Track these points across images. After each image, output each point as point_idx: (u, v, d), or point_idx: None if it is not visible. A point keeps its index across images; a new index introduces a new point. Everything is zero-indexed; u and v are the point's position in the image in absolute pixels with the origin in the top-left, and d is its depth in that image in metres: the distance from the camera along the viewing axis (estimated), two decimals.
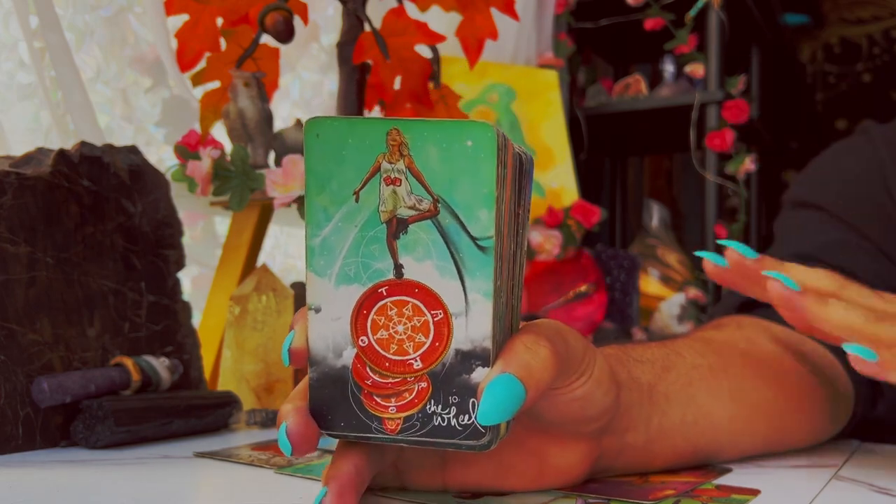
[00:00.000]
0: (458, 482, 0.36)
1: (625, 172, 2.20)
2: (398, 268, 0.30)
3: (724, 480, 0.42)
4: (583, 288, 1.36)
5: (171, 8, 0.76)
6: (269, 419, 0.61)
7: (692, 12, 1.63)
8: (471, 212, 0.29)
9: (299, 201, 0.69)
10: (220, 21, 0.76)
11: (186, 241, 0.64)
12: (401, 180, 0.29)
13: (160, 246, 0.61)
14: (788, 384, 0.49)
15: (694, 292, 1.56)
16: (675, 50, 1.66)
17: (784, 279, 0.40)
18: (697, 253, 0.43)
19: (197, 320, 0.68)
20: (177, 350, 0.61)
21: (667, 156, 2.40)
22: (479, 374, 0.30)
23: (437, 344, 0.30)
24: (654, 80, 1.90)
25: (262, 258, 0.77)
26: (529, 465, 0.37)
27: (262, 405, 0.66)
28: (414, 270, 0.30)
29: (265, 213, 0.76)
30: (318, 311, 0.31)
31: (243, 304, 0.66)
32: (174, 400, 0.54)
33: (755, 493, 0.39)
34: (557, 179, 1.51)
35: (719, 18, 1.62)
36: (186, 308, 0.63)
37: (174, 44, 0.77)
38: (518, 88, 1.54)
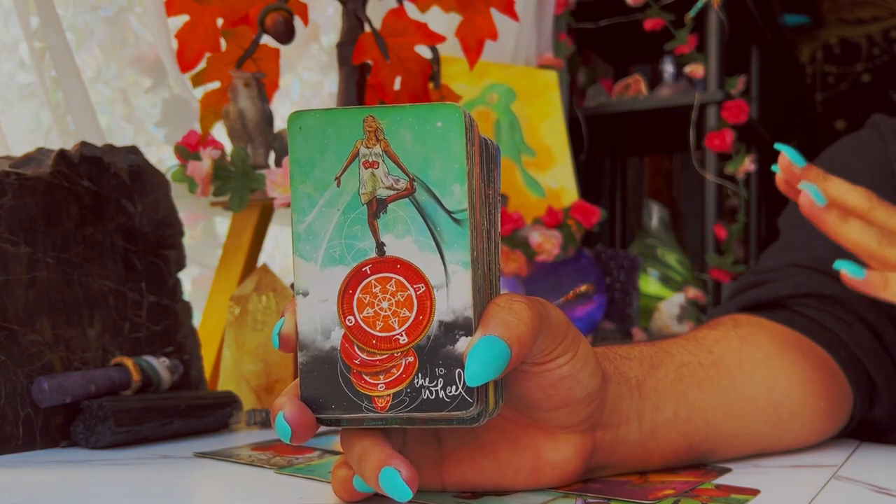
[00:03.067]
0: (456, 480, 0.37)
1: (625, 172, 2.20)
2: (380, 246, 0.32)
3: (724, 480, 0.42)
4: (583, 288, 1.36)
5: (171, 8, 0.76)
6: (269, 419, 0.61)
7: (692, 13, 1.63)
8: (445, 187, 0.31)
9: None
10: (220, 21, 0.76)
11: (187, 241, 0.65)
12: (378, 163, 0.31)
13: (160, 246, 0.61)
14: (785, 382, 0.49)
15: (694, 292, 1.56)
16: (675, 50, 1.66)
17: (814, 192, 0.42)
18: (777, 146, 0.44)
19: (197, 320, 0.68)
20: (177, 350, 0.61)
21: (667, 156, 2.40)
22: (463, 344, 0.31)
23: (420, 317, 0.31)
24: (654, 80, 1.90)
25: (263, 258, 0.77)
26: (524, 460, 0.37)
27: (262, 405, 0.66)
28: (395, 247, 0.31)
29: (265, 214, 0.76)
30: (305, 294, 0.32)
31: (243, 304, 0.66)
32: (174, 400, 0.54)
33: (755, 492, 0.39)
34: (557, 180, 1.51)
35: (719, 19, 1.62)
36: (187, 308, 0.63)
37: (174, 44, 0.77)
38: (518, 89, 1.54)
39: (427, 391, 0.31)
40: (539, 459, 0.37)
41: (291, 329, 0.32)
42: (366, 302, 0.31)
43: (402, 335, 0.31)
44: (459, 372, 0.31)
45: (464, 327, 0.31)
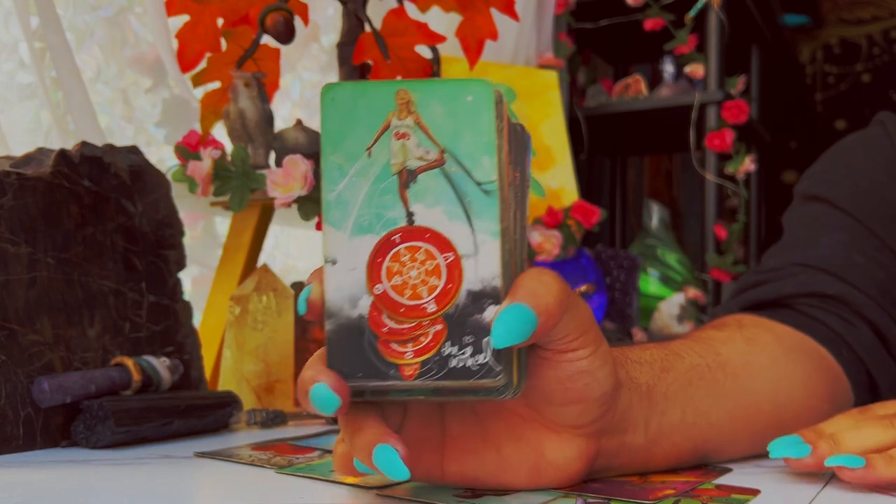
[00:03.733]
0: (455, 470, 0.36)
1: (625, 172, 2.19)
2: (410, 215, 0.32)
3: (724, 480, 0.42)
4: (583, 288, 1.36)
5: (171, 8, 0.76)
6: (270, 419, 0.61)
7: (692, 13, 1.63)
8: (474, 159, 0.31)
9: (300, 201, 0.69)
10: (220, 21, 0.76)
11: (187, 241, 0.65)
12: (409, 134, 0.32)
13: (160, 246, 0.61)
14: (788, 384, 0.49)
15: (694, 292, 1.56)
16: (675, 50, 1.66)
17: (845, 461, 0.39)
18: (773, 455, 0.42)
19: (197, 320, 0.68)
20: (177, 350, 0.61)
21: (667, 156, 2.40)
22: (491, 313, 0.31)
23: (449, 286, 0.31)
24: (654, 80, 1.90)
25: (263, 258, 0.77)
26: (526, 457, 0.37)
27: (262, 405, 0.66)
28: (425, 216, 0.32)
29: (265, 214, 0.76)
30: (334, 262, 0.32)
31: (244, 304, 0.66)
32: (174, 400, 0.54)
33: (755, 492, 0.39)
34: (557, 179, 1.51)
35: (719, 19, 1.62)
36: (187, 308, 0.63)
37: (175, 44, 0.77)
38: (518, 88, 1.53)
39: (455, 360, 0.31)
40: (541, 458, 0.37)
41: (319, 295, 0.32)
42: (394, 270, 0.32)
43: (430, 303, 0.31)
44: (487, 340, 0.31)
45: (492, 296, 0.31)
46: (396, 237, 0.32)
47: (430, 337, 0.31)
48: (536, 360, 0.35)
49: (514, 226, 0.33)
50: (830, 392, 0.52)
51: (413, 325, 0.31)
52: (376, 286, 0.32)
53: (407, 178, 0.32)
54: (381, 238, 0.32)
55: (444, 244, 0.31)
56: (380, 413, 0.33)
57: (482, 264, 0.31)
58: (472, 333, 0.31)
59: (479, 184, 0.31)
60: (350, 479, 0.40)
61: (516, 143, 0.34)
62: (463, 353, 0.31)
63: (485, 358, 0.31)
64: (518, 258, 0.34)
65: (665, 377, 0.42)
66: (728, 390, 0.45)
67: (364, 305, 0.32)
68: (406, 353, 0.31)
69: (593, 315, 0.35)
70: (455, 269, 0.31)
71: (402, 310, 0.31)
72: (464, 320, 0.31)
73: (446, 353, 0.31)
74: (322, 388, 0.31)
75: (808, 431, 0.43)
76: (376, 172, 0.32)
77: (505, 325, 0.30)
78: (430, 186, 0.32)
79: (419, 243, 0.32)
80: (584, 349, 0.34)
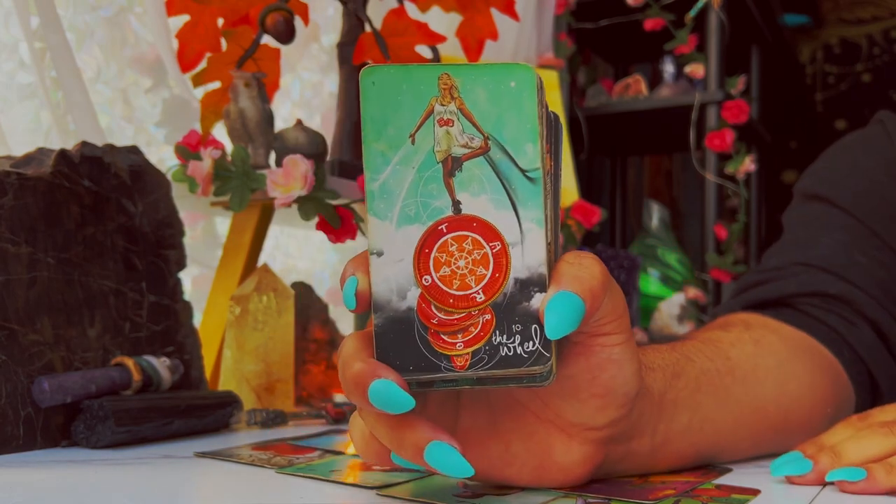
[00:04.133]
0: None
1: (625, 172, 2.19)
2: (456, 204, 0.32)
3: (724, 480, 0.42)
4: None
5: (171, 8, 0.76)
6: (270, 419, 0.61)
7: (692, 13, 1.63)
8: (518, 146, 0.31)
9: (300, 201, 0.69)
10: (220, 21, 0.76)
11: (187, 241, 0.65)
12: (453, 121, 0.31)
13: (161, 246, 0.61)
14: (794, 387, 0.49)
15: (694, 292, 1.56)
16: (675, 50, 1.66)
17: (846, 474, 0.39)
18: (776, 474, 0.42)
19: (197, 320, 0.68)
20: (177, 350, 0.61)
21: (667, 156, 2.40)
22: (538, 300, 0.31)
23: (497, 275, 0.31)
24: (654, 80, 1.90)
25: (263, 258, 0.77)
26: (533, 455, 0.37)
27: (262, 405, 0.66)
28: (471, 205, 0.31)
29: (266, 214, 0.76)
30: (380, 254, 0.32)
31: (244, 304, 0.66)
32: (175, 400, 0.54)
33: (755, 492, 0.39)
34: None
35: (719, 19, 1.62)
36: (187, 308, 0.63)
37: (175, 44, 0.77)
38: None
39: (505, 348, 0.31)
40: (547, 458, 0.37)
41: (367, 287, 0.31)
42: (442, 261, 0.31)
43: (478, 293, 0.31)
44: (536, 327, 0.31)
45: (538, 284, 0.31)
46: (443, 227, 0.31)
47: (479, 327, 0.31)
48: (568, 347, 0.34)
49: (552, 213, 0.33)
50: (833, 393, 0.52)
51: (462, 315, 0.31)
52: (424, 277, 0.31)
53: (452, 165, 0.32)
54: (428, 228, 0.31)
55: (491, 233, 0.31)
56: (422, 408, 0.33)
57: (528, 252, 0.31)
58: (520, 322, 0.31)
59: (523, 171, 0.31)
60: (350, 479, 0.40)
61: (552, 132, 0.34)
62: (512, 342, 0.31)
63: (534, 345, 0.31)
64: (555, 246, 0.34)
65: (676, 383, 0.42)
66: (736, 395, 0.45)
67: (412, 297, 0.31)
68: (457, 343, 0.31)
69: (626, 303, 0.35)
70: (502, 258, 0.31)
71: (451, 300, 0.31)
72: (512, 308, 0.31)
73: (496, 341, 0.31)
74: (389, 386, 0.30)
75: (808, 445, 0.43)
76: (421, 160, 0.32)
77: (557, 314, 0.30)
78: (475, 174, 0.31)
79: (466, 233, 0.31)
80: (618, 335, 0.34)
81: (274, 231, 1.27)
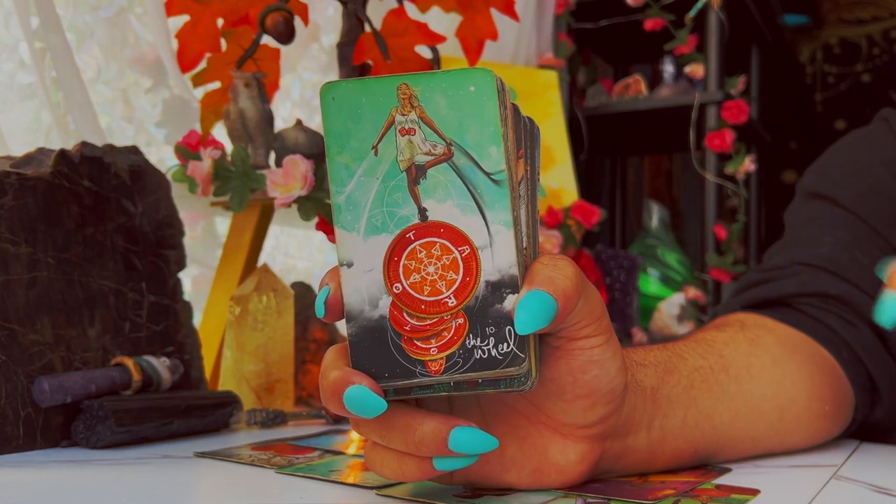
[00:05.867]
0: (462, 475, 0.37)
1: (625, 172, 2.19)
2: (422, 211, 0.32)
3: (724, 480, 0.42)
4: None
5: (171, 9, 0.76)
6: (270, 419, 0.61)
7: (692, 13, 1.63)
8: (482, 150, 0.32)
9: (300, 201, 0.69)
10: (220, 22, 0.76)
11: (187, 241, 0.65)
12: (415, 130, 0.32)
13: (161, 246, 0.61)
14: (790, 386, 0.49)
15: (694, 292, 1.56)
16: (675, 50, 1.66)
17: None
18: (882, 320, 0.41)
19: (197, 320, 0.68)
20: (177, 350, 0.61)
21: (667, 156, 2.40)
22: (510, 302, 0.31)
23: (467, 279, 0.31)
24: (654, 80, 1.90)
25: (263, 258, 0.77)
26: (529, 458, 0.37)
27: (262, 405, 0.66)
28: (437, 212, 0.32)
29: (266, 214, 0.76)
30: (349, 265, 0.32)
31: (244, 304, 0.66)
32: (174, 400, 0.54)
33: (755, 492, 0.39)
34: (557, 180, 1.51)
35: (719, 19, 1.62)
36: (187, 308, 0.63)
37: (175, 44, 0.77)
38: (518, 88, 1.54)
39: (479, 350, 0.31)
40: (544, 460, 0.37)
41: (339, 296, 0.32)
42: (412, 268, 0.32)
43: (450, 298, 0.31)
44: (510, 329, 0.31)
45: (510, 285, 0.31)
46: (411, 234, 0.32)
47: (452, 331, 0.31)
48: (549, 351, 0.35)
49: (528, 219, 0.33)
50: (832, 393, 0.52)
51: (435, 320, 0.31)
52: (395, 285, 0.32)
53: (416, 173, 0.32)
54: (396, 236, 0.32)
55: (459, 238, 0.32)
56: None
57: (498, 254, 0.31)
58: (493, 324, 0.31)
59: (488, 174, 0.31)
60: (350, 479, 0.40)
61: (527, 137, 0.34)
62: (486, 344, 0.31)
63: (509, 346, 0.31)
64: (532, 251, 0.34)
65: (668, 379, 0.42)
66: (730, 392, 0.45)
67: (384, 305, 0.32)
68: (431, 348, 0.31)
69: (604, 305, 0.35)
70: (472, 262, 0.31)
71: (422, 306, 0.32)
72: (485, 311, 0.31)
73: (470, 345, 0.31)
74: (363, 391, 0.31)
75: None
76: (385, 170, 0.32)
77: (527, 311, 0.31)
78: (439, 181, 0.32)
79: (434, 239, 0.32)
80: (596, 337, 0.34)
81: (274, 231, 1.27)
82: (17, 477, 0.41)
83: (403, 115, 0.32)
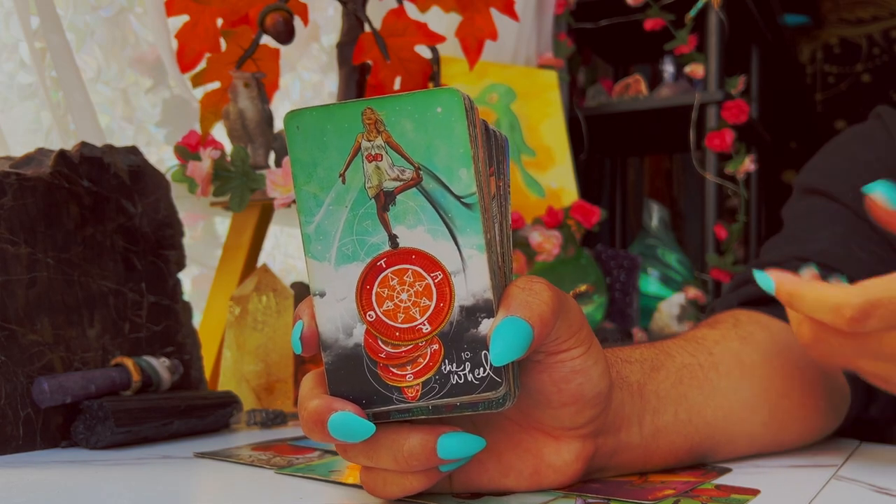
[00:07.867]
0: (462, 479, 0.37)
1: (625, 172, 2.19)
2: (393, 238, 0.31)
3: (724, 480, 0.42)
4: (582, 288, 1.36)
5: (171, 9, 0.76)
6: (270, 419, 0.61)
7: (692, 13, 1.63)
8: (451, 173, 0.31)
9: None
10: (220, 22, 0.76)
11: (187, 241, 0.65)
12: (382, 155, 0.31)
13: (160, 246, 0.61)
14: (783, 382, 0.49)
15: (694, 292, 1.56)
16: (675, 50, 1.66)
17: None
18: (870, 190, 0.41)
19: (197, 321, 0.68)
20: (177, 350, 0.61)
21: (667, 156, 2.40)
22: (486, 326, 0.31)
23: (441, 304, 0.31)
24: (654, 80, 1.90)
25: (263, 258, 0.77)
26: (526, 462, 0.37)
27: (262, 405, 0.66)
28: (408, 238, 0.31)
29: (265, 214, 0.76)
30: (322, 295, 0.32)
31: (243, 304, 0.66)
32: (174, 400, 0.54)
33: (755, 492, 0.39)
34: (557, 180, 1.51)
35: (719, 19, 1.62)
36: (187, 308, 0.63)
37: (175, 44, 0.77)
38: (518, 89, 1.54)
39: (455, 376, 0.31)
40: (540, 462, 0.37)
41: (313, 330, 0.32)
42: (384, 296, 0.31)
43: (424, 324, 0.31)
44: (485, 353, 0.31)
45: (485, 310, 0.31)
46: (382, 262, 0.31)
47: (427, 357, 0.31)
48: (529, 364, 0.35)
49: (501, 237, 0.33)
50: (827, 388, 0.52)
51: (410, 347, 0.31)
52: (368, 313, 0.31)
53: (385, 200, 0.31)
54: (367, 265, 0.31)
55: (431, 264, 0.31)
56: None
57: (472, 279, 0.31)
58: (469, 349, 0.31)
59: (459, 198, 0.31)
60: (350, 480, 0.40)
61: (497, 152, 0.33)
62: (462, 369, 0.31)
63: (485, 371, 0.31)
64: (506, 268, 0.34)
65: (655, 376, 0.42)
66: (721, 389, 0.45)
67: (359, 334, 0.31)
68: (406, 375, 0.31)
69: (582, 312, 0.35)
70: (445, 288, 0.31)
71: (397, 333, 0.31)
72: (460, 336, 0.31)
73: (446, 370, 0.31)
74: (348, 417, 0.31)
75: None
76: (353, 198, 0.31)
77: (503, 340, 0.30)
78: (409, 206, 0.31)
79: (406, 266, 0.31)
80: (577, 349, 0.34)
81: (274, 231, 1.27)
82: (17, 477, 0.41)
83: (370, 140, 0.31)
